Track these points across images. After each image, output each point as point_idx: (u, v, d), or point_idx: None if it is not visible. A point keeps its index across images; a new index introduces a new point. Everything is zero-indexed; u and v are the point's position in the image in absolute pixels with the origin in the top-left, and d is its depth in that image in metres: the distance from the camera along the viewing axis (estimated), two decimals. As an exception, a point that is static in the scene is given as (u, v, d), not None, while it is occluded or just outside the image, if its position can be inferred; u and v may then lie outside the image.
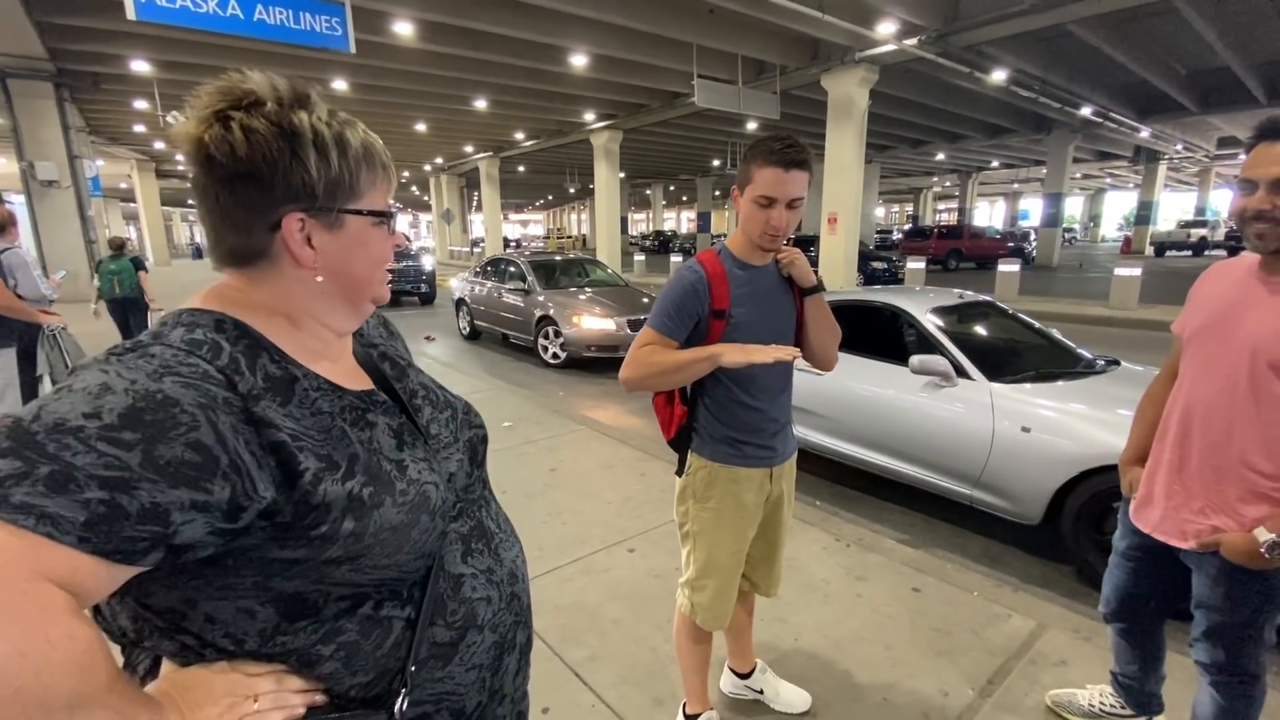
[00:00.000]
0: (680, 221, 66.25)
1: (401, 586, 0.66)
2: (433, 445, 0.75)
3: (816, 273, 1.61)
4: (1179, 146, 24.29)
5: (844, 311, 4.02)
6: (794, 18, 9.89)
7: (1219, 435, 1.36)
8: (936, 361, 3.19)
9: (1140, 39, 12.47)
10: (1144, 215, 26.71)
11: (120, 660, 0.59)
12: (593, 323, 7.09)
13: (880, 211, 47.16)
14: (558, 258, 9.39)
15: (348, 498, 0.60)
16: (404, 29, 10.11)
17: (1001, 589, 2.60)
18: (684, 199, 52.11)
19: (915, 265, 13.08)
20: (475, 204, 40.65)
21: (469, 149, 24.78)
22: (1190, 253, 24.75)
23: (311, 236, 0.64)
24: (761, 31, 11.66)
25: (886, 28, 10.36)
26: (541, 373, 7.30)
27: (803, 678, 2.04)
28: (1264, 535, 1.27)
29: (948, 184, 40.48)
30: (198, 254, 36.61)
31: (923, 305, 3.60)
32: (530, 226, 79.43)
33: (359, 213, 0.67)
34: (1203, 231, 25.06)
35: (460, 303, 9.63)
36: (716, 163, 27.44)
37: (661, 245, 36.35)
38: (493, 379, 6.49)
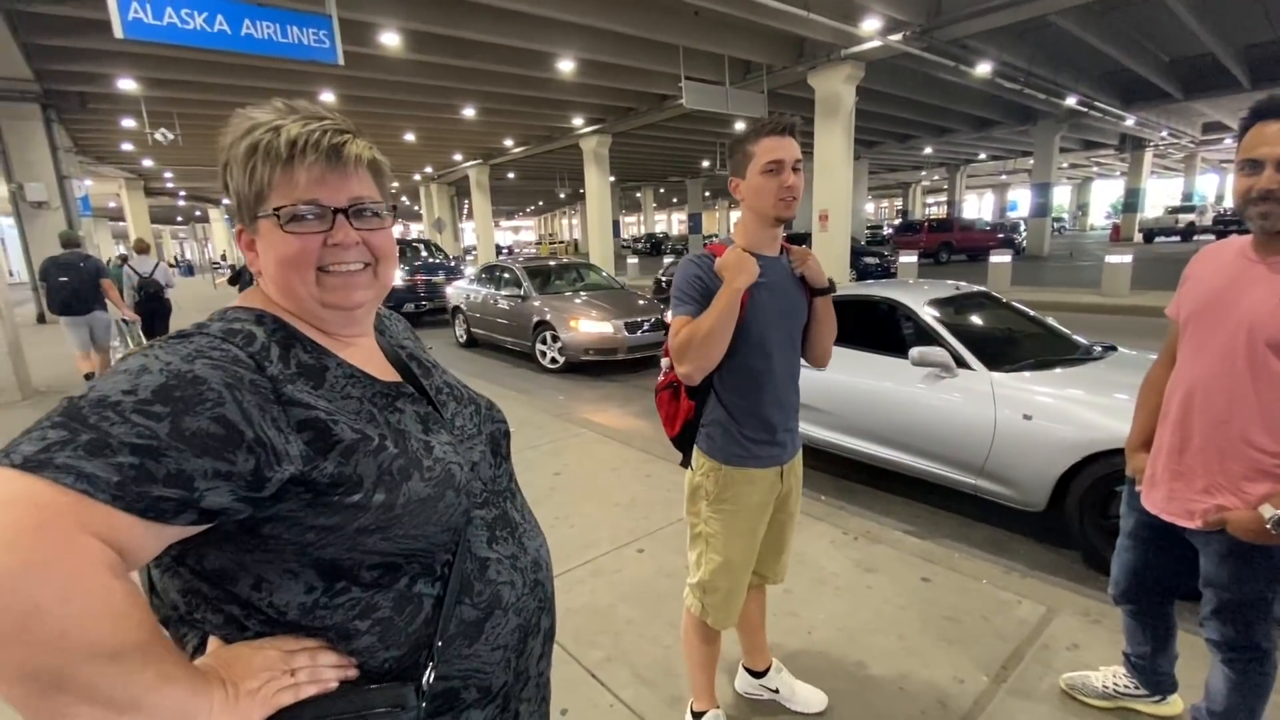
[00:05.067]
0: (671, 223, 66.32)
1: (433, 562, 0.70)
2: (457, 435, 0.78)
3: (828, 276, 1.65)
4: (1164, 133, 24.48)
5: (843, 306, 4.04)
6: (779, 17, 9.94)
7: (1220, 415, 1.37)
8: (936, 353, 3.21)
9: (1122, 27, 12.58)
10: (1131, 203, 26.92)
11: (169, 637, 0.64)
12: (590, 326, 7.09)
13: (870, 207, 47.36)
14: (552, 263, 9.40)
15: (378, 470, 0.64)
16: (391, 40, 10.12)
17: (1010, 576, 2.62)
18: (674, 201, 52.20)
19: (907, 259, 13.15)
20: (466, 212, 40.56)
21: (458, 157, 24.79)
22: (1179, 238, 24.94)
23: (255, 242, 0.70)
24: (747, 31, 11.72)
25: (871, 24, 10.43)
26: (540, 378, 7.30)
27: (817, 671, 2.05)
28: (1270, 512, 1.29)
29: (936, 178, 40.70)
30: (189, 271, 36.56)
31: (920, 298, 3.62)
32: (521, 233, 79.32)
33: (257, 217, 0.69)
34: (1190, 217, 25.31)
35: (456, 310, 9.62)
36: (706, 163, 27.51)
37: (653, 248, 36.41)
38: (492, 385, 6.49)
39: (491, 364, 8.31)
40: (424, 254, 14.54)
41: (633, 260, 21.35)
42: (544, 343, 7.51)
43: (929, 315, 3.47)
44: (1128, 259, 10.59)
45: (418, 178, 30.13)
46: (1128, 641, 1.79)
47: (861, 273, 15.34)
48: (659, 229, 54.03)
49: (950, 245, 21.25)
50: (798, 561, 2.73)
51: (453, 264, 13.44)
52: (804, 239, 16.18)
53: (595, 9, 9.87)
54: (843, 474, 3.96)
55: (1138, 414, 1.66)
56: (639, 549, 2.90)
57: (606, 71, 13.19)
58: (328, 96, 13.15)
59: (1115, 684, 1.82)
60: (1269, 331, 1.29)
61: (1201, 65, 15.31)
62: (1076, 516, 2.77)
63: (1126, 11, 11.55)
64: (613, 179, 27.34)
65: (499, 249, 36.81)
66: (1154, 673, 1.77)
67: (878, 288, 4.00)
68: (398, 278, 11.52)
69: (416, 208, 40.53)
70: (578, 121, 18.08)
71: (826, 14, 9.92)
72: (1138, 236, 25.79)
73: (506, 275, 8.64)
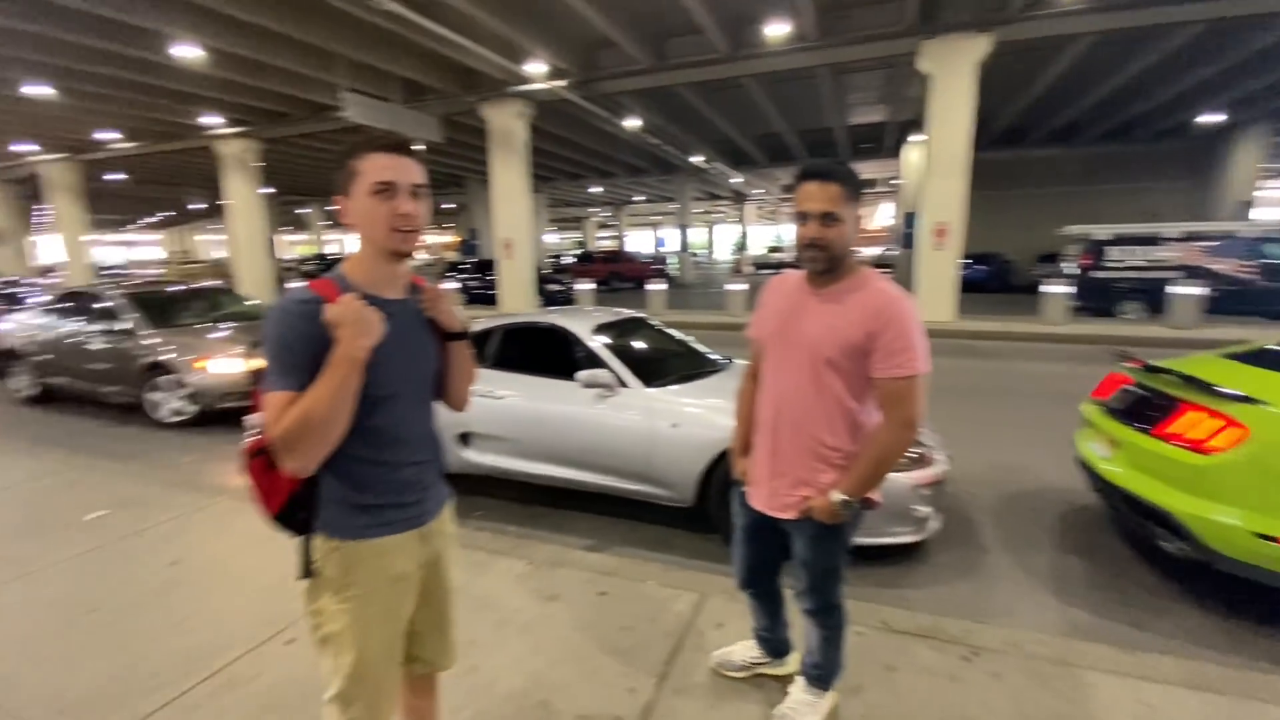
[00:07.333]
0: (347, 243, 60.28)
1: None
2: None
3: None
4: (759, 191, 31.85)
5: (516, 333, 4.11)
6: (446, 44, 9.89)
7: (798, 420, 1.67)
8: (601, 374, 3.46)
9: (726, 105, 15.88)
10: (741, 244, 34.48)
11: None
12: (225, 366, 5.83)
13: (555, 238, 50.31)
14: (173, 288, 7.48)
15: None
16: None
17: (671, 571, 2.91)
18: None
19: (584, 287, 14.28)
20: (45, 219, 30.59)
21: (23, 147, 18.41)
22: (773, 270, 32.62)
23: None
24: (417, 53, 11.38)
25: (535, 67, 11.10)
26: (157, 436, 5.73)
27: (499, 723, 1.93)
28: (837, 496, 1.62)
29: (606, 214, 45.55)
30: None
31: (586, 324, 3.87)
32: (140, 249, 63.01)
33: None
34: (781, 255, 33.47)
35: (10, 354, 7.00)
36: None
37: (326, 268, 32.44)
38: (78, 455, 4.83)
39: (80, 424, 6.22)
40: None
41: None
42: (158, 389, 5.92)
43: (594, 340, 3.72)
44: (745, 287, 13.32)
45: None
46: (753, 619, 2.09)
47: (548, 299, 16.10)
48: (332, 248, 48.49)
49: (619, 274, 23.87)
50: (482, 606, 2.59)
51: (9, 290, 9.73)
52: (489, 266, 16.32)
53: (221, -9, 8.40)
54: (531, 499, 3.97)
55: (737, 423, 1.94)
56: (288, 640, 2.40)
57: (247, 67, 11.34)
58: None
59: (748, 657, 2.13)
60: (825, 351, 1.60)
61: (777, 141, 20.27)
62: (716, 507, 3.24)
63: (727, 94, 14.60)
64: (272, 190, 23.67)
65: (103, 269, 28.40)
66: (775, 641, 2.10)
67: (549, 314, 4.17)
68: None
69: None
70: (213, 120, 15.12)
71: (492, 49, 10.22)
72: (750, 269, 32.97)
73: (102, 304, 6.57)
